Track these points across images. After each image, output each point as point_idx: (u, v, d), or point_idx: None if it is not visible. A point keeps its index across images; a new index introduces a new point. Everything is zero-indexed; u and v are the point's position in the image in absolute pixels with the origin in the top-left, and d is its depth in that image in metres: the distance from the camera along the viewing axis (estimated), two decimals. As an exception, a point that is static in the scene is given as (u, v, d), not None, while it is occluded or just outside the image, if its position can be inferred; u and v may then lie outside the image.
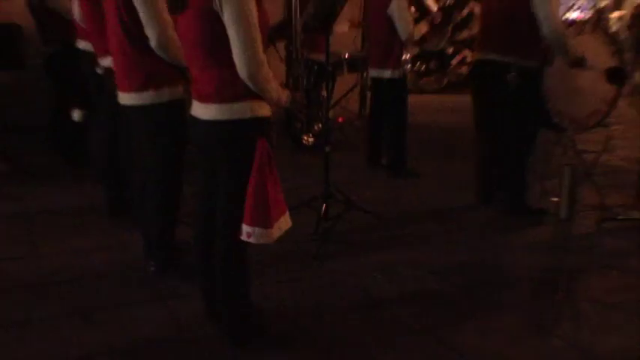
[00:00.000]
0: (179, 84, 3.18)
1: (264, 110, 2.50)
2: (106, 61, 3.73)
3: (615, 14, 27.39)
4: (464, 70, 11.01)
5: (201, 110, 2.53)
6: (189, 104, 2.64)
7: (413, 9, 7.31)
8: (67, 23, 4.88)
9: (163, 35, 3.01)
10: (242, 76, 2.36)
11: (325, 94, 4.37)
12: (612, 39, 4.93)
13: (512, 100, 4.32)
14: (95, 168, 4.80)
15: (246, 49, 2.32)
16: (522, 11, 4.13)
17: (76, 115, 4.31)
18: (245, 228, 2.48)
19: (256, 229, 2.48)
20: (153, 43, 3.03)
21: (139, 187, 3.46)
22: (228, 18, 2.32)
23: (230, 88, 2.42)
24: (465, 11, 11.17)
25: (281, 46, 6.86)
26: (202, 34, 2.41)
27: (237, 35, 2.32)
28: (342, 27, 6.25)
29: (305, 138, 6.65)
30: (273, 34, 2.80)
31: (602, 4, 26.05)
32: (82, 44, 4.41)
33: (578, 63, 4.28)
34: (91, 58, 4.11)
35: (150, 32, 3.03)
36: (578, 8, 27.89)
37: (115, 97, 3.35)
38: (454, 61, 11.17)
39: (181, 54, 2.85)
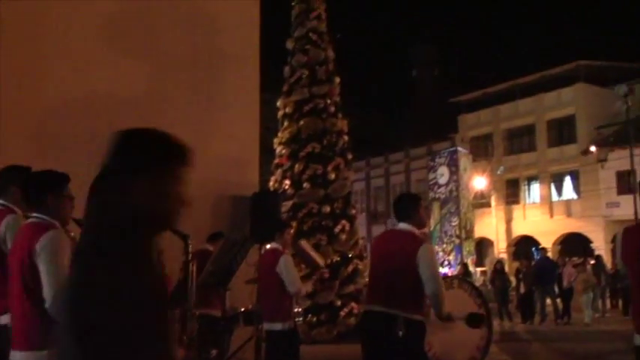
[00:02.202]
0: None
1: None
2: (4, 319, 3.53)
3: (479, 269, 29.36)
4: (352, 320, 11.15)
5: None
6: None
7: (303, 265, 7.57)
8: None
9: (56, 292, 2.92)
10: None
11: (215, 353, 4.26)
12: (478, 292, 5.25)
13: (399, 350, 4.32)
14: None
15: None
16: (409, 270, 4.25)
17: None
18: None
19: None
20: (47, 304, 2.93)
21: None
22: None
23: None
24: (350, 267, 11.65)
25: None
26: None
27: None
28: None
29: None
30: (173, 301, 2.83)
31: (468, 260, 27.97)
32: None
33: (447, 318, 4.43)
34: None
35: (46, 293, 2.94)
36: (448, 264, 29.80)
37: (6, 355, 3.13)
38: (343, 313, 11.33)
39: None
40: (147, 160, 1.57)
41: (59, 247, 3.03)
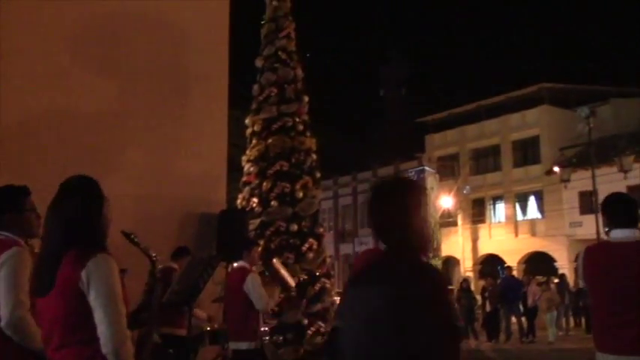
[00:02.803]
0: None
1: None
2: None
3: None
4: (319, 340, 11.09)
5: None
6: None
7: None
8: None
9: (14, 315, 2.83)
10: (106, 351, 2.27)
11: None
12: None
13: None
14: None
15: (114, 325, 2.27)
16: None
17: None
18: None
19: None
20: (3, 322, 2.84)
21: None
22: (95, 295, 2.28)
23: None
24: (318, 286, 11.61)
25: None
26: (64, 311, 2.33)
27: (104, 312, 2.27)
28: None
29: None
30: (131, 323, 2.84)
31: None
32: None
33: None
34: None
35: (2, 311, 2.86)
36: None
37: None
38: (310, 332, 11.27)
39: (34, 336, 2.69)
40: (420, 198, 2.22)
41: (20, 265, 2.95)
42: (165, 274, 5.67)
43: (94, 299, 2.29)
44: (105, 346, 2.27)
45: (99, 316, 2.28)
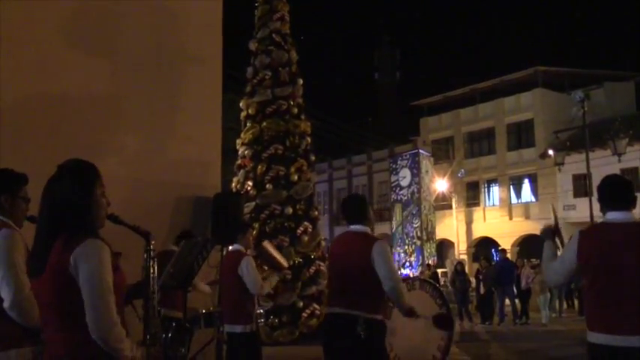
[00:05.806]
0: (28, 346, 2.92)
1: None
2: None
3: (440, 270, 29.69)
4: (314, 322, 11.14)
5: None
6: None
7: (265, 267, 7.54)
8: None
9: (18, 296, 2.84)
10: (94, 336, 2.27)
11: (183, 350, 4.21)
12: (439, 293, 5.31)
13: (360, 350, 4.25)
14: None
15: (99, 311, 2.26)
16: (366, 269, 4.16)
17: None
18: None
19: None
20: (6, 303, 2.85)
21: None
22: (82, 281, 2.27)
23: (83, 349, 2.29)
24: (313, 269, 11.64)
25: (138, 304, 6.65)
26: (56, 296, 2.33)
27: (90, 297, 2.27)
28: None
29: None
30: (131, 295, 2.81)
31: (429, 261, 28.18)
32: None
33: (410, 313, 4.39)
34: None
35: (5, 292, 2.86)
36: (410, 265, 29.97)
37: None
38: (305, 314, 11.32)
39: (37, 316, 2.69)
40: None
41: (13, 245, 2.95)
42: (163, 257, 5.66)
43: (81, 285, 2.29)
44: (92, 332, 2.27)
45: (86, 302, 2.28)
